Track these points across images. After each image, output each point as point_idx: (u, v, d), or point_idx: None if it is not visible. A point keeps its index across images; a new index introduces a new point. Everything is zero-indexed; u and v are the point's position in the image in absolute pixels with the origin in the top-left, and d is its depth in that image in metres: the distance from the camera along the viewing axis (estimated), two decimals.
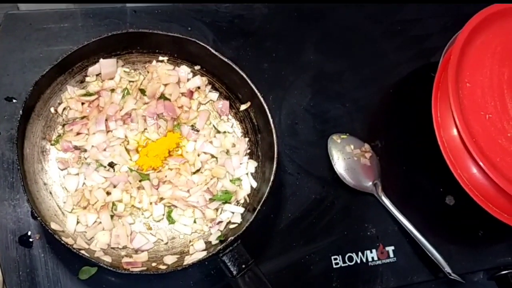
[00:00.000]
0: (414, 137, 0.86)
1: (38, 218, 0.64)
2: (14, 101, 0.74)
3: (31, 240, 0.70)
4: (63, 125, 0.73)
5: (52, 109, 0.73)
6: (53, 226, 0.67)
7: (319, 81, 0.87)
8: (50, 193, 0.70)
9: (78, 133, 0.73)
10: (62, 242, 0.63)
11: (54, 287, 0.69)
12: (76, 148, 0.72)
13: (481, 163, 0.68)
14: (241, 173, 0.75)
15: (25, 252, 0.70)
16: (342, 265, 0.78)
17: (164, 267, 0.68)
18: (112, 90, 0.75)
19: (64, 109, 0.74)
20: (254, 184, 0.75)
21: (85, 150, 0.72)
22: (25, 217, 0.71)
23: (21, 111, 0.66)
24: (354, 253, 0.79)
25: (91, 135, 0.72)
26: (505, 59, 0.75)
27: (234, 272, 0.65)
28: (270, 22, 0.88)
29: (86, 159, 0.72)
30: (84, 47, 0.70)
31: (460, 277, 0.77)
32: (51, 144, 0.72)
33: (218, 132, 0.77)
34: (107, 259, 0.67)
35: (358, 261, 0.79)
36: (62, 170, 0.71)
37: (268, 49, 0.87)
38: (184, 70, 0.78)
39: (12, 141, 0.72)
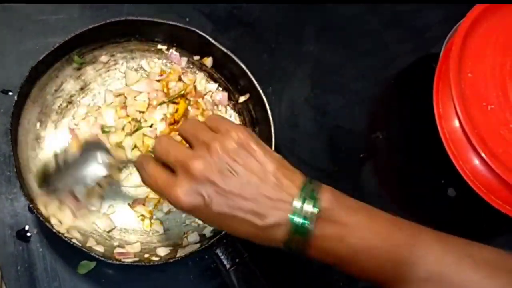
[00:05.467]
0: (415, 129, 0.86)
1: (30, 206, 0.63)
2: (10, 93, 0.74)
3: (28, 234, 0.70)
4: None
5: (48, 96, 0.72)
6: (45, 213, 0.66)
7: (319, 73, 0.86)
8: None
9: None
10: (54, 230, 0.63)
11: (53, 281, 0.69)
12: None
13: (483, 154, 0.68)
14: None
15: (23, 246, 0.69)
16: None
17: (156, 258, 0.68)
18: None
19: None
20: None
21: None
22: (23, 211, 0.70)
23: (16, 97, 0.66)
24: None
25: None
26: (507, 49, 0.74)
27: (227, 266, 0.65)
28: (270, 12, 0.87)
29: None
30: (82, 34, 0.70)
31: None
32: None
33: None
34: (100, 249, 0.67)
35: None
36: None
37: (267, 40, 0.85)
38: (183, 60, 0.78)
39: (8, 133, 0.71)
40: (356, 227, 0.48)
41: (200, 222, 0.72)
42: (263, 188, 0.47)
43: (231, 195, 0.47)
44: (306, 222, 0.47)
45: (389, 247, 0.48)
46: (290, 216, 0.47)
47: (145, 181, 0.52)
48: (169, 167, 0.50)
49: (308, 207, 0.47)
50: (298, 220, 0.47)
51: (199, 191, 0.47)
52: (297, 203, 0.47)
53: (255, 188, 0.47)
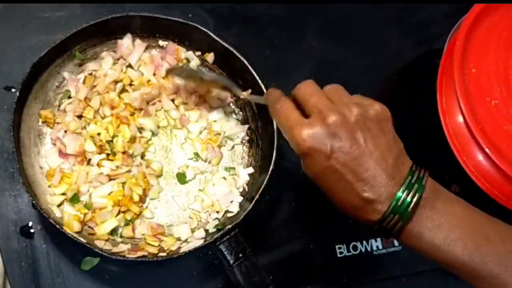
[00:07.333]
0: (418, 125, 0.85)
1: (33, 202, 0.63)
2: (13, 90, 0.74)
3: (32, 231, 0.70)
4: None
5: (49, 92, 0.72)
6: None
7: (322, 69, 0.86)
8: (46, 177, 0.70)
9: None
10: (57, 226, 0.63)
11: (57, 278, 0.69)
12: None
13: (487, 150, 0.67)
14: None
15: (26, 243, 0.69)
16: (347, 254, 0.77)
17: (161, 254, 0.68)
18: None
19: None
20: (250, 171, 0.75)
21: None
22: (26, 207, 0.70)
23: (17, 93, 0.66)
24: (358, 242, 0.78)
25: None
26: (510, 44, 0.73)
27: (231, 261, 0.65)
28: (272, 8, 0.87)
29: None
30: (84, 30, 0.70)
31: None
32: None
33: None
34: (103, 245, 0.67)
35: (363, 250, 0.78)
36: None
37: (269, 36, 0.85)
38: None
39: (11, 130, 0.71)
40: (450, 219, 0.50)
41: (203, 217, 0.72)
42: (381, 165, 0.49)
43: (351, 158, 0.49)
44: (406, 204, 0.49)
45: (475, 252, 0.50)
46: (397, 195, 0.49)
47: (275, 115, 0.53)
48: (302, 111, 0.52)
49: (412, 194, 0.49)
50: (400, 201, 0.49)
51: (324, 140, 0.49)
52: (403, 187, 0.49)
53: (374, 162, 0.49)
